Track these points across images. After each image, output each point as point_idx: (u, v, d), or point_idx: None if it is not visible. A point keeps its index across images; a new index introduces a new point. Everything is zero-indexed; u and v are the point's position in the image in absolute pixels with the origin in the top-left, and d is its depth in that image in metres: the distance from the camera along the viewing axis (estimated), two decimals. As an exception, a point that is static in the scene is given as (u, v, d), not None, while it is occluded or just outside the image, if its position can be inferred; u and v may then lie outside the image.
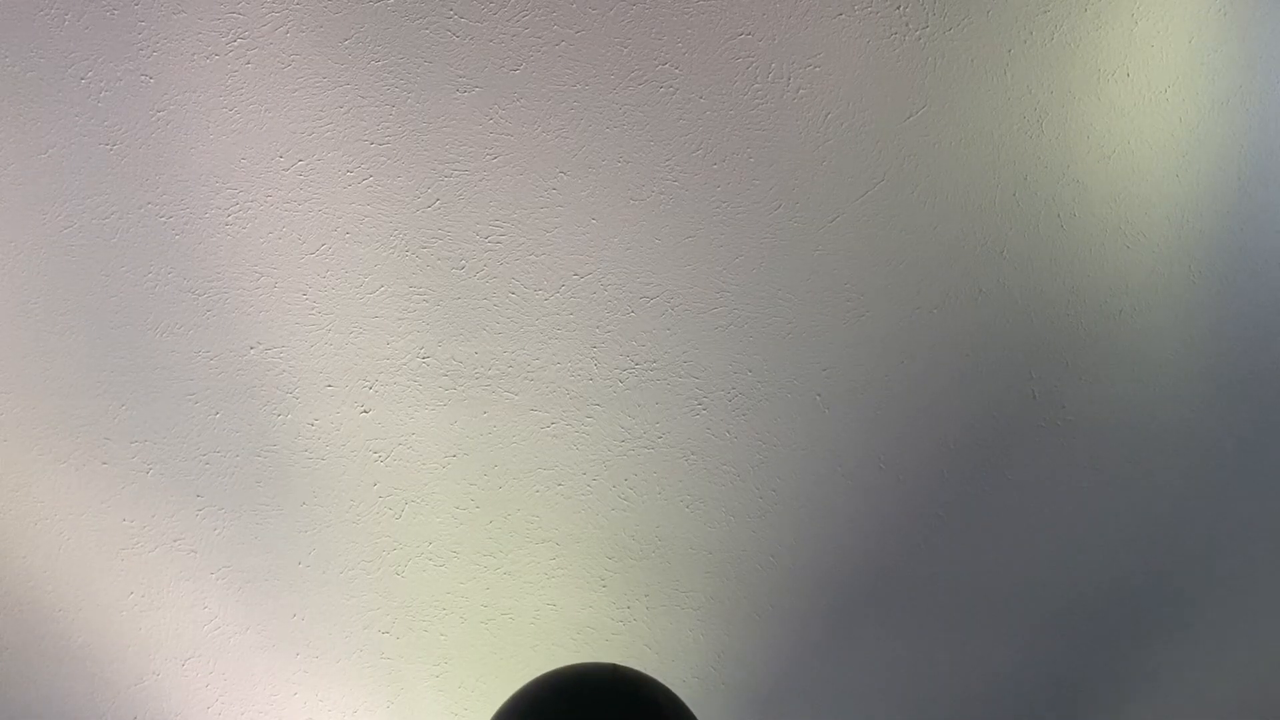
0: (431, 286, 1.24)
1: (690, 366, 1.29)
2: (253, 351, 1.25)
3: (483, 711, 1.38)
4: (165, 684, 1.38)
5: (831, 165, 1.23)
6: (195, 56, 1.14)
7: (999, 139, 1.24)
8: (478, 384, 1.28)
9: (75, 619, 1.34)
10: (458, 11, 1.15)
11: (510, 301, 1.25)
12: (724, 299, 1.27)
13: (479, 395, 1.28)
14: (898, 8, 1.18)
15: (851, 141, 1.22)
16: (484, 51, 1.16)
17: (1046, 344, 1.33)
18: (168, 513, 1.30)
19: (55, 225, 1.19)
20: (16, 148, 1.16)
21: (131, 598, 1.34)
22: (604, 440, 1.31)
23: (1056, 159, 1.26)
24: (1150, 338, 1.34)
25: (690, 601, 1.38)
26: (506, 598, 1.36)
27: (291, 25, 1.14)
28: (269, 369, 1.26)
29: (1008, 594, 1.43)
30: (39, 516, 1.30)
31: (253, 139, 1.17)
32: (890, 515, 1.37)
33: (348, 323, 1.25)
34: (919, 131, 1.23)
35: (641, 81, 1.19)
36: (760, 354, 1.29)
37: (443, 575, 1.35)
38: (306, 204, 1.20)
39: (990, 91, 1.22)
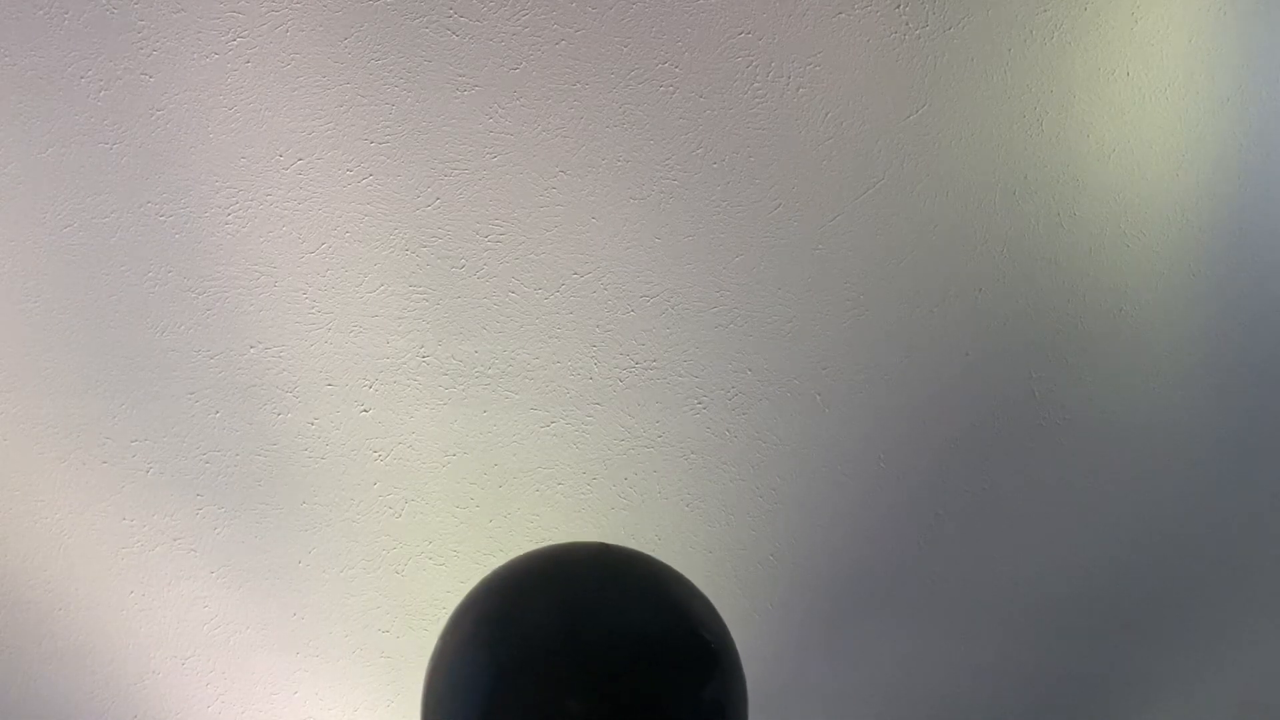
0: (431, 285, 1.24)
1: (690, 365, 1.29)
2: (253, 350, 1.25)
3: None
4: (165, 683, 1.38)
5: (831, 165, 1.23)
6: (195, 56, 1.14)
7: (999, 138, 1.24)
8: (478, 383, 1.28)
9: (75, 618, 1.34)
10: (457, 10, 1.15)
11: (510, 300, 1.25)
12: (724, 298, 1.27)
13: (479, 394, 1.28)
14: (898, 7, 1.18)
15: (851, 141, 1.22)
16: (484, 50, 1.16)
17: (1046, 343, 1.33)
18: (168, 512, 1.30)
19: (55, 225, 1.19)
20: (16, 147, 1.16)
21: (131, 597, 1.34)
22: (604, 439, 1.31)
23: (1056, 158, 1.26)
24: (1150, 337, 1.34)
25: (690, 600, 1.38)
26: (506, 597, 1.36)
27: (291, 25, 1.14)
28: (269, 368, 1.26)
29: (1009, 593, 1.43)
30: (39, 516, 1.30)
31: (253, 138, 1.17)
32: (891, 514, 1.37)
33: (348, 322, 1.25)
34: (919, 131, 1.23)
35: (641, 81, 1.19)
36: (760, 353, 1.29)
37: (443, 574, 1.35)
38: (306, 203, 1.20)
39: (990, 91, 1.22)
